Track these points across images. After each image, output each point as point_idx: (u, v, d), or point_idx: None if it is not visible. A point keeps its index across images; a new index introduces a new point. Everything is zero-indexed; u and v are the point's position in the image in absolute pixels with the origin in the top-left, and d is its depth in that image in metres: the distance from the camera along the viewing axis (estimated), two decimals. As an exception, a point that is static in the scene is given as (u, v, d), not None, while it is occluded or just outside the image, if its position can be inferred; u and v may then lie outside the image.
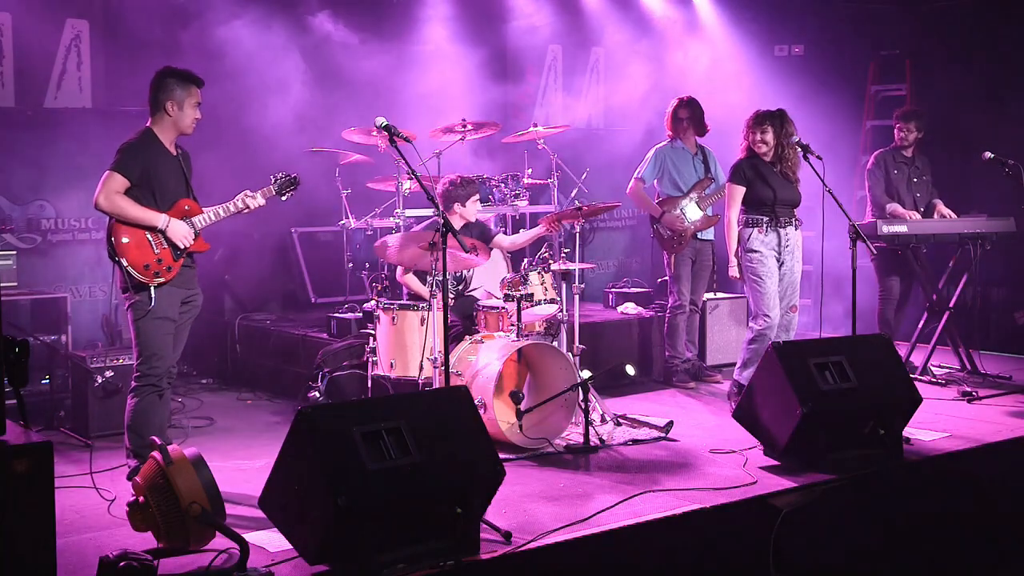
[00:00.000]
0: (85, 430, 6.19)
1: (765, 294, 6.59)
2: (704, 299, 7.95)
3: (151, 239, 5.03)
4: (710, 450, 5.83)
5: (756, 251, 6.60)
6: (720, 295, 8.25)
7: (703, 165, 7.63)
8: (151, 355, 5.08)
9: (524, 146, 8.38)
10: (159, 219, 5.03)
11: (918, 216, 7.80)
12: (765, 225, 6.63)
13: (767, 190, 6.61)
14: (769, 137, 6.63)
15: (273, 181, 5.33)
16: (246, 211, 5.26)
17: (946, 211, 7.90)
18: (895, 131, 8.00)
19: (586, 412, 5.83)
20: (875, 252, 6.48)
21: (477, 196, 6.75)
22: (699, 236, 7.63)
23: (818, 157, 6.40)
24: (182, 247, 5.07)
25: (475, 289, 6.98)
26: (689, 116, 7.57)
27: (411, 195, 7.60)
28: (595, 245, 9.63)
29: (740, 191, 6.66)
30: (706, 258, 7.70)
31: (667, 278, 7.78)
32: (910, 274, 7.92)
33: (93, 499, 4.99)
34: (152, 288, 5.01)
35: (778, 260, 6.66)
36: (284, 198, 5.36)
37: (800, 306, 6.93)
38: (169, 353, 5.15)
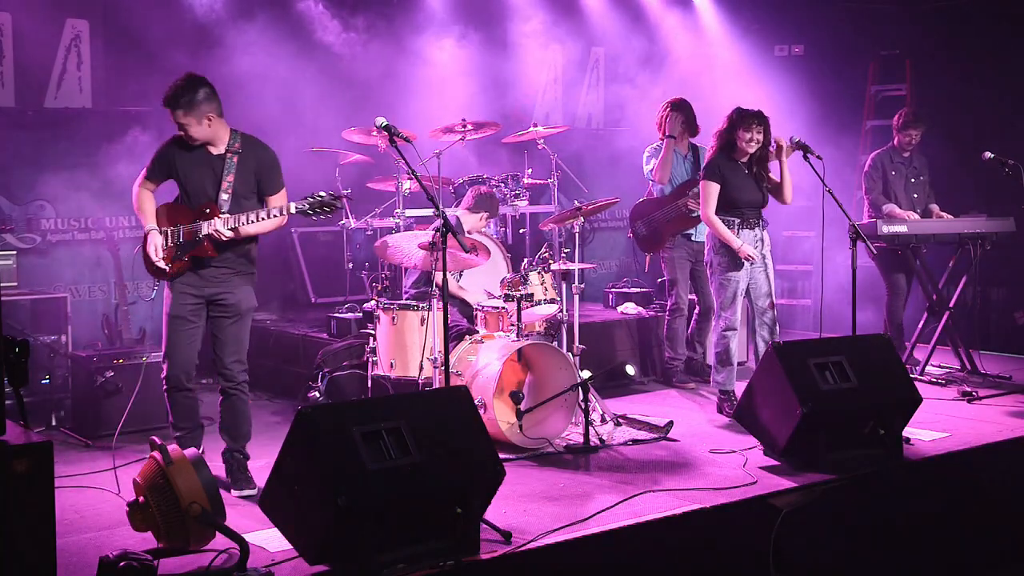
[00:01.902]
0: (85, 430, 6.19)
1: (729, 295, 6.54)
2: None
3: (164, 236, 5.14)
4: (710, 450, 5.83)
5: (726, 255, 6.53)
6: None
7: (693, 166, 7.62)
8: (165, 354, 5.22)
9: (524, 146, 8.38)
10: (146, 226, 5.19)
11: (916, 216, 7.81)
12: (737, 227, 6.55)
13: (740, 191, 6.51)
14: (761, 136, 6.52)
15: (306, 199, 5.04)
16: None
17: (943, 215, 7.90)
18: (898, 135, 7.95)
19: (586, 412, 5.83)
20: (875, 252, 6.48)
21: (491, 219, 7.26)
22: (693, 238, 7.61)
23: (818, 157, 6.39)
24: (152, 260, 5.10)
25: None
26: (682, 119, 7.56)
27: (411, 195, 7.60)
28: (595, 245, 9.62)
29: (716, 188, 6.52)
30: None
31: (665, 280, 7.77)
32: (910, 274, 7.93)
33: (93, 499, 5.00)
34: (159, 283, 5.25)
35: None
36: (314, 217, 5.10)
37: (801, 307, 6.91)
38: (178, 354, 5.16)
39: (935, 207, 7.98)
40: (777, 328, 6.65)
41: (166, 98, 5.03)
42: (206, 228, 5.05)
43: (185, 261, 5.10)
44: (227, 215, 5.06)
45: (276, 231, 5.40)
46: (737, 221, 6.54)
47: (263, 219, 5.06)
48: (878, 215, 7.80)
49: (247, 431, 5.29)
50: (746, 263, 6.52)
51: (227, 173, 5.11)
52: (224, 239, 5.05)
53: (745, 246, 6.47)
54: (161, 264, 5.09)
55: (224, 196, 5.09)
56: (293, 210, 5.02)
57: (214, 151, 5.14)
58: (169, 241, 5.12)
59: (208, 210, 5.08)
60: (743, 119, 6.53)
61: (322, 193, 5.01)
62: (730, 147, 6.58)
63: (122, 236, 7.59)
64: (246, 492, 5.03)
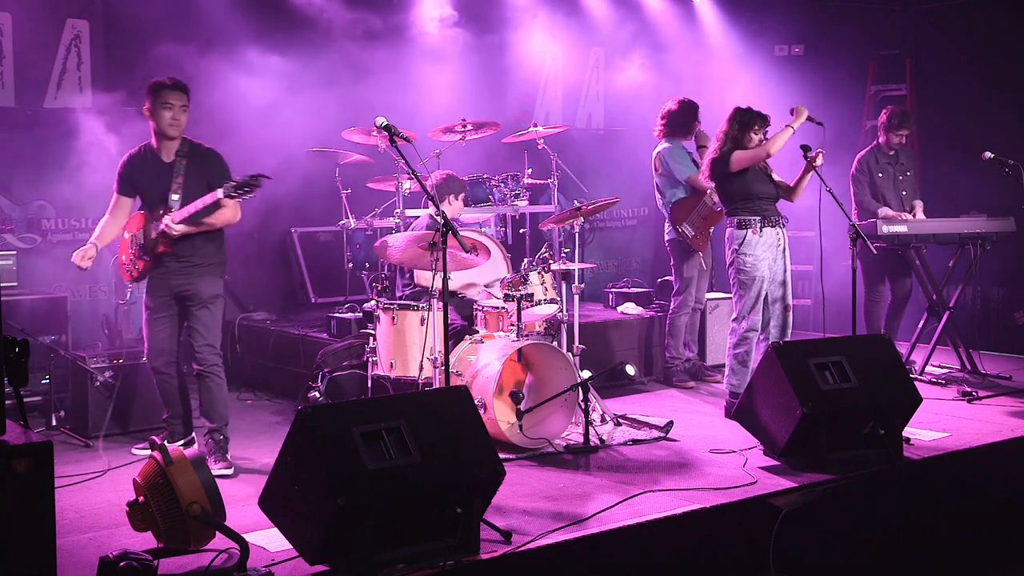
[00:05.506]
0: (85, 430, 6.19)
1: (752, 297, 6.51)
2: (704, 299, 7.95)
3: (129, 241, 5.66)
4: (710, 450, 5.84)
5: (751, 254, 6.48)
6: (719, 295, 8.24)
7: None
8: (145, 340, 5.77)
9: (524, 146, 8.38)
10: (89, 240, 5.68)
11: (910, 217, 7.77)
12: (758, 224, 6.50)
13: (754, 183, 6.46)
14: (763, 136, 6.49)
15: (230, 183, 5.32)
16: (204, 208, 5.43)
17: (921, 216, 7.84)
18: (888, 135, 7.84)
19: (586, 412, 5.83)
20: (875, 251, 6.45)
21: (464, 195, 7.03)
22: None
23: (814, 158, 6.34)
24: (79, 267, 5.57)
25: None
26: (682, 118, 7.58)
27: (411, 195, 7.60)
28: (595, 245, 9.62)
29: (738, 151, 6.42)
30: (708, 258, 7.71)
31: (671, 278, 7.77)
32: (910, 274, 7.91)
33: (93, 499, 5.00)
34: (131, 283, 5.89)
35: (773, 259, 6.59)
36: (239, 199, 5.38)
37: (801, 307, 6.91)
38: (155, 343, 5.69)
39: (918, 206, 7.92)
40: (789, 332, 6.63)
41: (175, 81, 5.50)
42: (159, 226, 5.48)
43: (147, 261, 5.59)
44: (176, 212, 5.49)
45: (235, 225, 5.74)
46: (758, 219, 6.48)
47: (199, 208, 5.38)
48: (868, 218, 7.74)
49: (223, 412, 5.68)
50: (764, 265, 6.47)
51: (176, 176, 5.52)
52: (175, 234, 5.44)
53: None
54: (84, 265, 5.57)
55: (175, 197, 5.48)
56: (220, 195, 5.33)
57: (165, 159, 5.56)
58: (133, 246, 5.64)
59: (161, 211, 5.49)
60: (742, 119, 6.47)
61: (246, 177, 5.29)
62: (736, 145, 6.51)
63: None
64: (220, 470, 5.37)
